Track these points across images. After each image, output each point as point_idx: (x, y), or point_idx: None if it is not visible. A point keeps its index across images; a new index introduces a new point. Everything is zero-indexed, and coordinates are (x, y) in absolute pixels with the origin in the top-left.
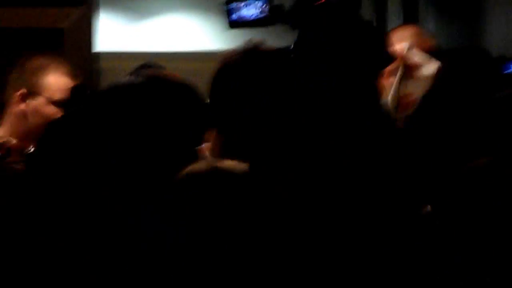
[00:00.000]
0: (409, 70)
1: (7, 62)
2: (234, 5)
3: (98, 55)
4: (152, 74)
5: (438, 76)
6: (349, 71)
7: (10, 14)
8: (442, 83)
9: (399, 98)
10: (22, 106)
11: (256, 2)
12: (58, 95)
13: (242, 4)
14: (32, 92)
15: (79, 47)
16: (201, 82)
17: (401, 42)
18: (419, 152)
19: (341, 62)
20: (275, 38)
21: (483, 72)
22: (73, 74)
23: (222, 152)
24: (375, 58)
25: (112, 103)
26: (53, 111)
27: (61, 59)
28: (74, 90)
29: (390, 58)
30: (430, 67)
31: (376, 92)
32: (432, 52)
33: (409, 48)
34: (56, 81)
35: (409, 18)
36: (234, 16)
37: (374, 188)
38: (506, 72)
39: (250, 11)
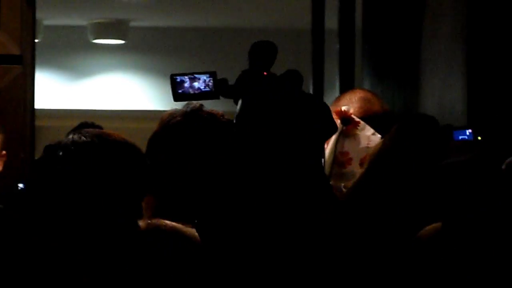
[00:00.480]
0: (347, 129)
1: None
2: (180, 78)
3: (35, 113)
4: (97, 133)
5: (387, 142)
6: (293, 141)
7: None
8: (391, 149)
9: (335, 155)
10: None
11: (202, 76)
12: None
13: (187, 78)
14: None
15: (16, 105)
16: (139, 141)
17: (346, 105)
18: (364, 221)
19: (284, 132)
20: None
21: (433, 140)
22: None
23: (154, 212)
24: (320, 129)
25: (58, 163)
26: None
27: None
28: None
29: (334, 128)
30: (367, 131)
31: (320, 161)
32: (380, 116)
33: (348, 110)
34: None
35: (345, 85)
36: (179, 90)
37: (312, 254)
38: (454, 140)
39: (194, 85)
